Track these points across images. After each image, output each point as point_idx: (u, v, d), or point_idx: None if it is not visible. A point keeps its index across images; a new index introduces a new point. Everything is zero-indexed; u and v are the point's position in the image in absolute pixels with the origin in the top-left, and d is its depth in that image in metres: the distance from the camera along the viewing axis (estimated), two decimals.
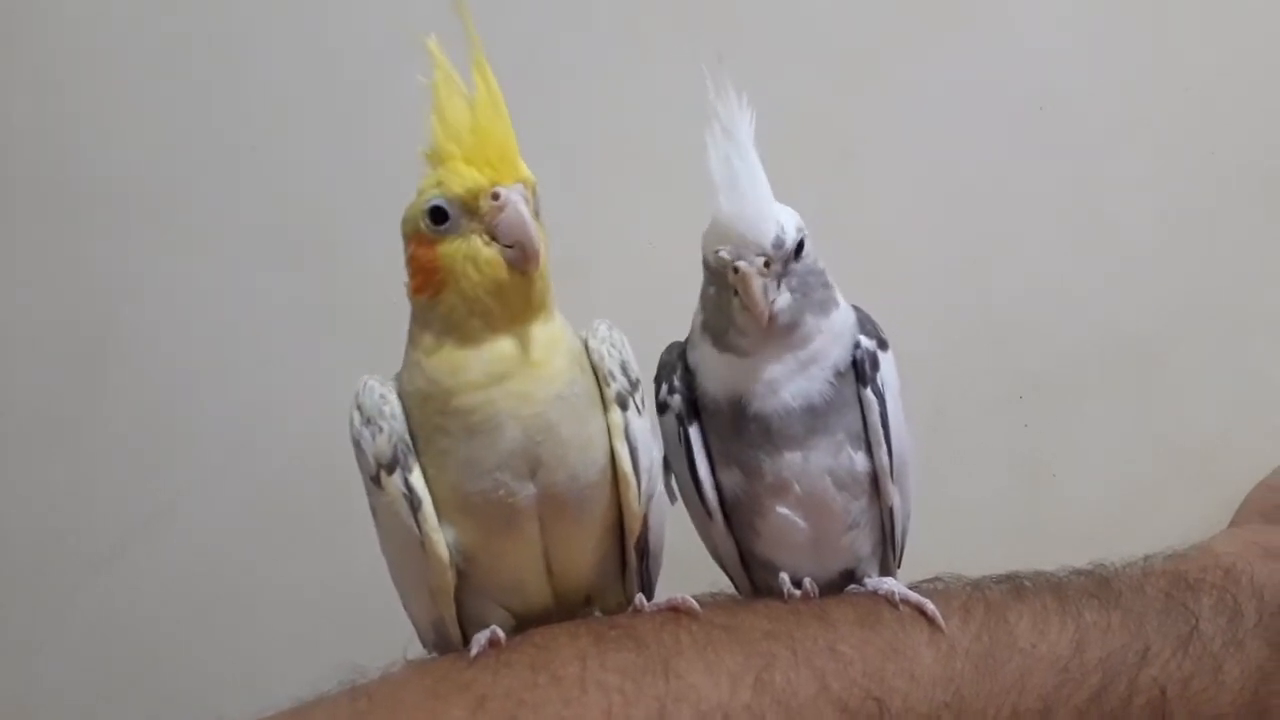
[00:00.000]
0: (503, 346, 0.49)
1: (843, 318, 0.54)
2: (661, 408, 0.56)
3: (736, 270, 0.50)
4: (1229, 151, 0.75)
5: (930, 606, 0.52)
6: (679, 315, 0.57)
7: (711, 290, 0.53)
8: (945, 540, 0.60)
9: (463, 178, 0.48)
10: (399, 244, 0.51)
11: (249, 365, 0.79)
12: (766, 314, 0.50)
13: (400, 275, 0.51)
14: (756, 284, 0.50)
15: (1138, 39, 0.76)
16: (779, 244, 0.51)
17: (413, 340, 0.51)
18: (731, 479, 0.55)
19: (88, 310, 0.79)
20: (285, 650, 0.76)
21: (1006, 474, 0.76)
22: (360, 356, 0.60)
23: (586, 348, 0.52)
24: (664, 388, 0.56)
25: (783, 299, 0.51)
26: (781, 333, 0.52)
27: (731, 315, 0.52)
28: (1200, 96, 0.75)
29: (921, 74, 0.76)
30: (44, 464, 0.80)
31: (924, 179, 0.76)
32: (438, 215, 0.48)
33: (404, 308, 0.53)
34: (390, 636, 0.53)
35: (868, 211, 0.75)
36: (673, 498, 0.58)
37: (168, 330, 0.79)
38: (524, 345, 0.49)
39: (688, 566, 0.58)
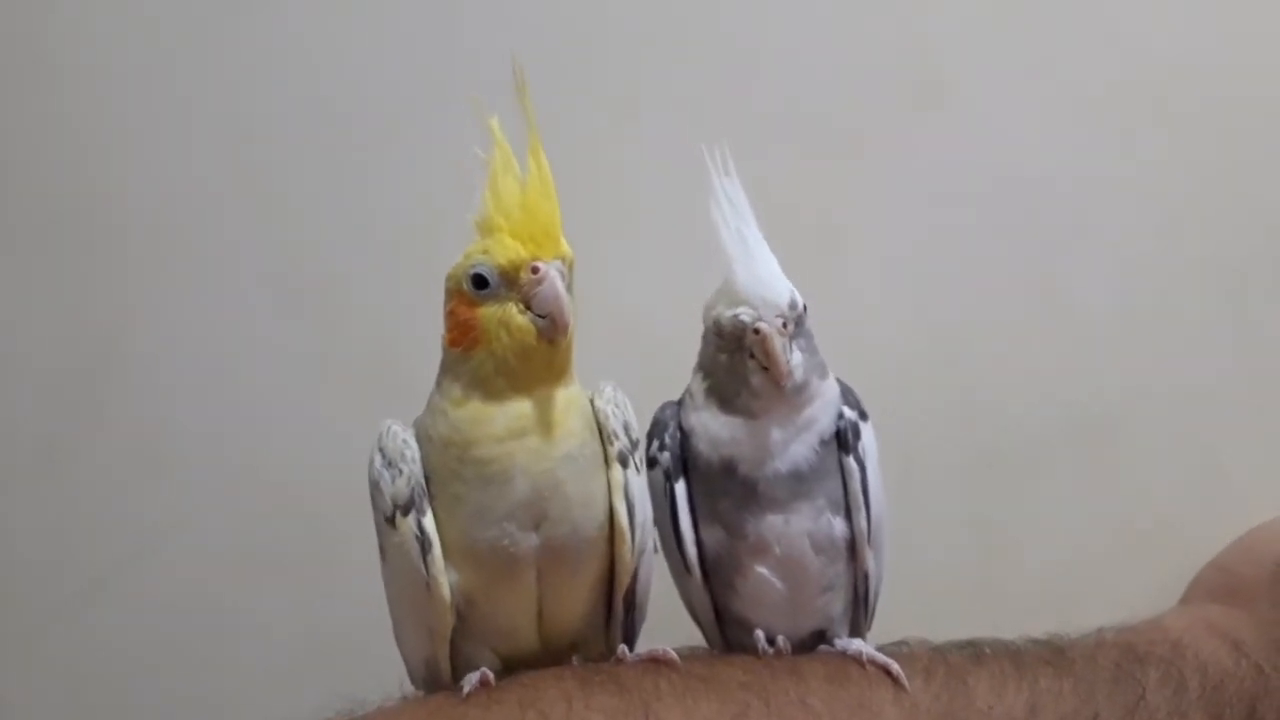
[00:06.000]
0: (524, 406, 0.52)
1: (831, 384, 0.58)
2: (650, 463, 0.58)
3: (757, 331, 0.54)
4: (1185, 241, 0.79)
5: (895, 667, 0.55)
6: (667, 378, 0.60)
7: (723, 357, 0.56)
8: (910, 603, 0.63)
9: (506, 250, 0.51)
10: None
11: (241, 406, 0.79)
12: (788, 372, 0.54)
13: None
14: (777, 343, 0.53)
15: (1103, 132, 0.80)
16: (794, 304, 0.54)
17: (441, 390, 0.53)
18: (714, 537, 0.57)
19: (80, 343, 0.80)
20: (268, 690, 0.76)
21: (971, 543, 0.79)
22: (350, 403, 0.62)
23: (593, 406, 0.55)
24: (655, 444, 0.58)
25: (796, 357, 0.55)
26: (793, 392, 0.55)
27: (746, 377, 0.55)
28: (1159, 188, 0.79)
29: (898, 160, 0.79)
30: (26, 497, 0.80)
31: (899, 261, 0.79)
32: (479, 281, 0.52)
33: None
34: (376, 676, 0.55)
35: (846, 289, 0.78)
36: (655, 548, 0.60)
37: (160, 366, 0.80)
38: (543, 407, 0.52)
39: (666, 623, 0.60)
